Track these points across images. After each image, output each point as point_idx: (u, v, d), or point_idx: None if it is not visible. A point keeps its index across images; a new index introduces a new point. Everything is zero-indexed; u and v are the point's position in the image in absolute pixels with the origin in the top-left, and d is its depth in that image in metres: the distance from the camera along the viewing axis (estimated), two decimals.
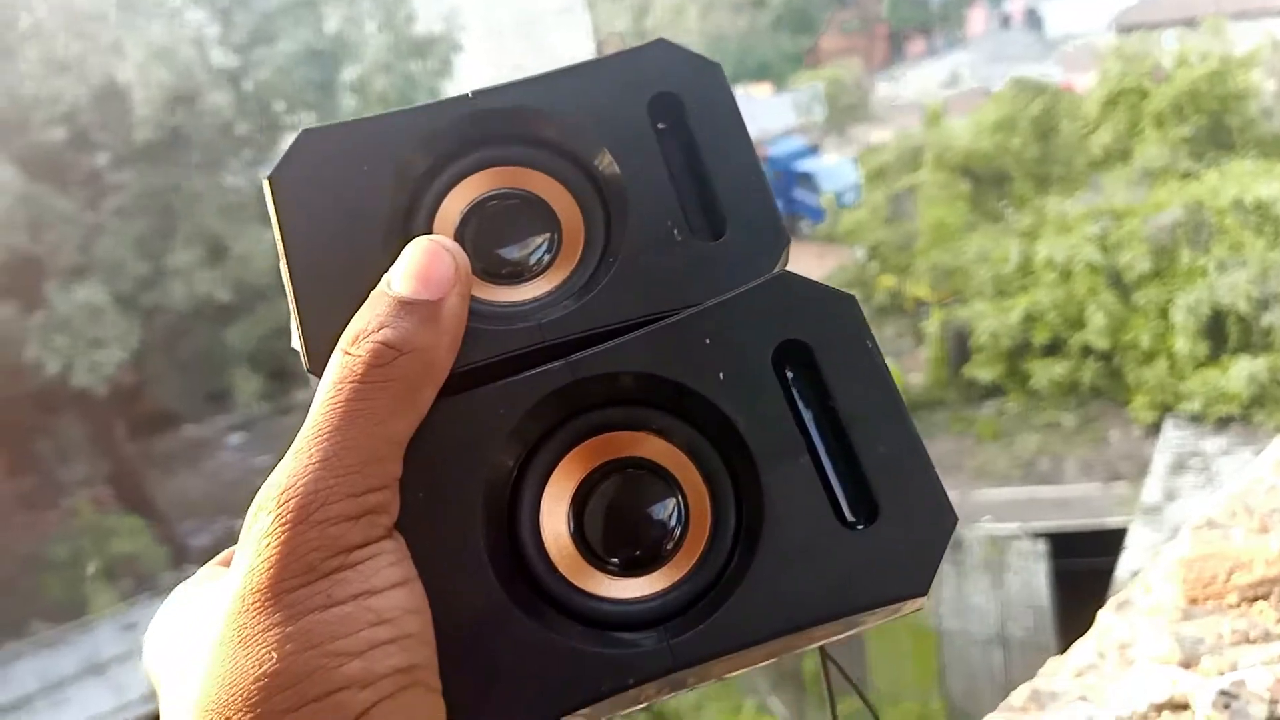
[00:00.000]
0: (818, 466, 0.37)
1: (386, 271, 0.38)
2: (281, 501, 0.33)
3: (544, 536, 0.38)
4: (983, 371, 10.01)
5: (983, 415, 10.11)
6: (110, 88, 9.89)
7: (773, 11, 20.95)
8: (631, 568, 0.38)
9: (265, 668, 0.32)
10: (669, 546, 0.38)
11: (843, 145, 16.62)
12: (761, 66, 21.52)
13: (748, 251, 0.40)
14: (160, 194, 10.17)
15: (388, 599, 0.33)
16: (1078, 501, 8.83)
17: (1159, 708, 0.98)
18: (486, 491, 0.37)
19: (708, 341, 0.38)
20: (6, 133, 9.95)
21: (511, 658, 0.36)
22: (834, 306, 0.39)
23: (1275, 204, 9.20)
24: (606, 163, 0.42)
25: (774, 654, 0.38)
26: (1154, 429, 9.11)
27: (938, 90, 17.68)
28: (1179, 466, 8.36)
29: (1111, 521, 8.27)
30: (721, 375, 0.38)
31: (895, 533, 0.37)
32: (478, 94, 0.43)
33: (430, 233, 0.41)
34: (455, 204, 0.42)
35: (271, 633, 0.32)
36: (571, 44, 16.45)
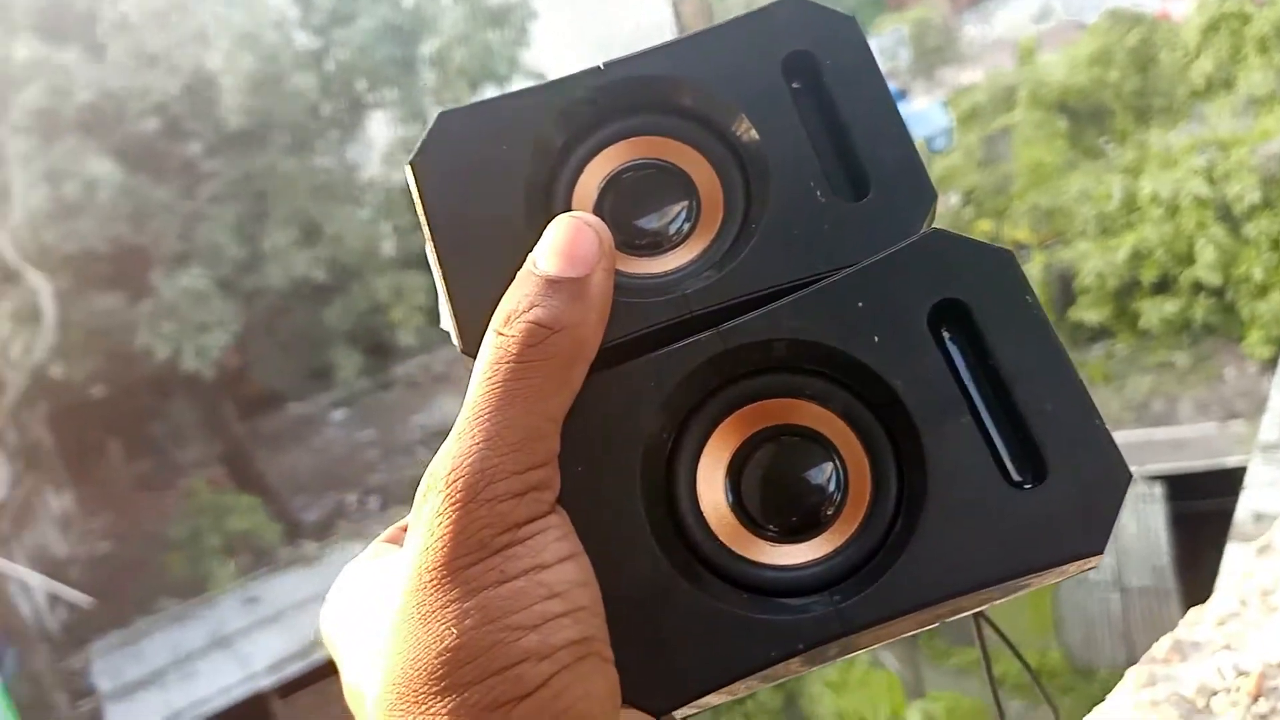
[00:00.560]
0: (981, 427, 0.37)
1: (531, 249, 0.38)
2: (450, 481, 0.34)
3: (702, 506, 0.38)
4: (1089, 313, 9.72)
5: (1091, 358, 9.83)
6: (198, 77, 10.16)
7: None
8: (792, 534, 0.38)
9: (447, 642, 0.33)
10: (829, 512, 0.38)
11: (932, 89, 16.16)
12: (844, 12, 21.06)
13: (894, 210, 0.40)
14: (253, 179, 10.44)
15: (558, 573, 0.34)
16: (1194, 442, 8.55)
17: None
18: (644, 463, 0.37)
19: (860, 304, 0.38)
20: (103, 127, 10.31)
21: (679, 627, 0.36)
22: (990, 263, 0.38)
23: None
24: (743, 127, 0.41)
25: (940, 617, 0.37)
26: (1270, 364, 8.75)
27: (1029, 25, 17.06)
28: None
29: (1229, 461, 7.99)
30: (877, 338, 0.37)
31: (1067, 490, 0.36)
32: (609, 65, 0.42)
33: (570, 207, 0.41)
34: (593, 177, 0.42)
35: (450, 609, 0.33)
36: (645, 4, 16.32)
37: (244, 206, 10.43)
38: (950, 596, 0.35)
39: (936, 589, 0.35)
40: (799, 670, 0.37)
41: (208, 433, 11.17)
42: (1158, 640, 1.07)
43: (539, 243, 0.38)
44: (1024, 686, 7.89)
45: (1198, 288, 9.28)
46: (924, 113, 15.36)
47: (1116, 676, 1.05)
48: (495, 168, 0.41)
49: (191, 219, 10.43)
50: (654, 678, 0.35)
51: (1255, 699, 0.91)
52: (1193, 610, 1.08)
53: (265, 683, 8.56)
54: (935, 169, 11.67)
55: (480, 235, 0.40)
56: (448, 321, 0.40)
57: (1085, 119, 10.87)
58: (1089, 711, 1.02)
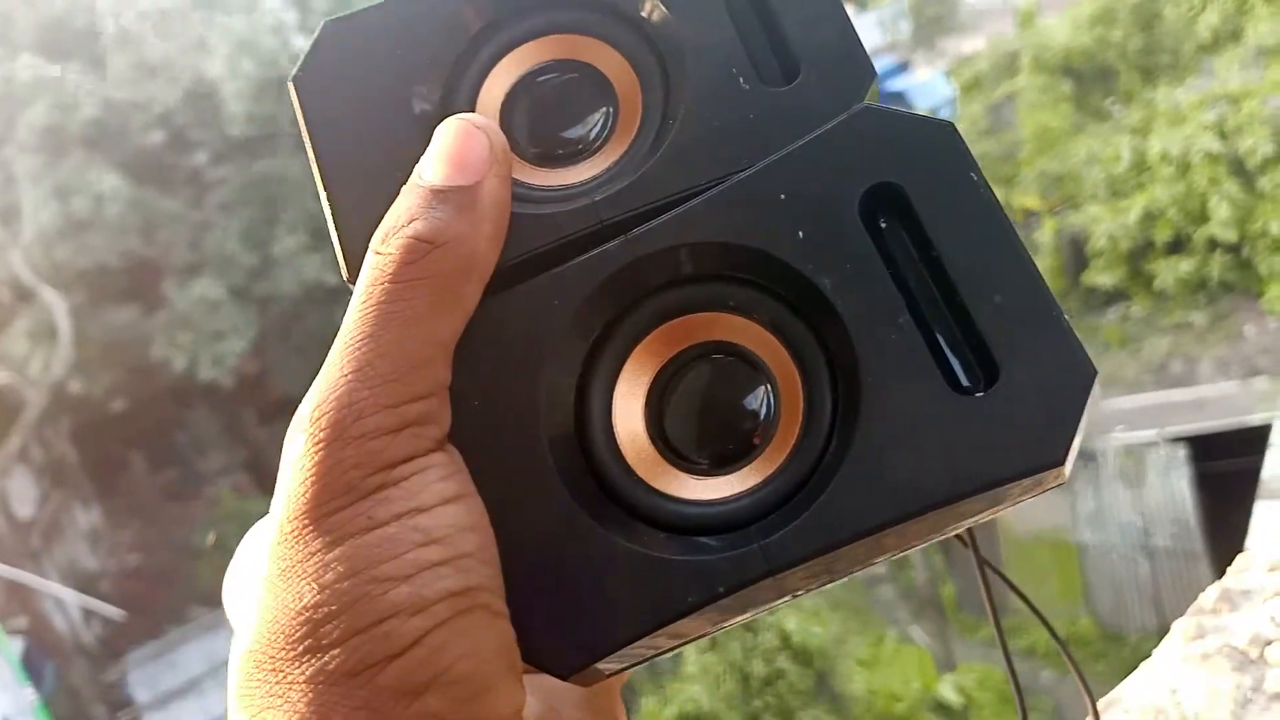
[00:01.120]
0: (922, 326, 0.32)
1: None
2: (314, 419, 0.30)
3: (618, 437, 0.34)
4: (1103, 277, 9.65)
5: (1107, 322, 9.76)
6: (200, 86, 10.17)
7: None
8: (719, 465, 0.34)
9: (306, 600, 0.29)
10: (759, 438, 0.34)
11: (933, 59, 16.06)
12: None
13: (826, 93, 0.35)
14: (260, 185, 10.45)
15: (437, 516, 0.31)
16: (1215, 402, 8.47)
17: None
18: (549, 392, 0.33)
19: (782, 197, 0.33)
20: (108, 141, 10.33)
21: (587, 574, 0.32)
22: (928, 138, 0.34)
23: None
24: (656, 11, 0.37)
25: (898, 547, 0.33)
26: None
27: None
28: None
29: (1254, 419, 7.91)
30: (801, 233, 0.33)
31: (1020, 394, 0.31)
32: None
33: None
34: (498, 83, 0.38)
35: (310, 562, 0.30)
36: None
37: (253, 213, 10.45)
38: (885, 526, 0.31)
39: (869, 518, 0.31)
40: (732, 619, 0.33)
41: (229, 440, 11.22)
42: (1188, 605, 1.05)
43: (426, 151, 0.34)
44: (1055, 655, 7.88)
45: (1213, 245, 9.19)
46: (927, 84, 15.26)
47: (1148, 641, 1.02)
48: (386, 79, 0.37)
49: (201, 228, 10.45)
50: (557, 633, 0.32)
51: None
52: (1240, 557, 1.04)
53: None
54: None
55: (369, 154, 0.37)
56: (338, 249, 0.37)
57: (1090, 81, 10.76)
58: (1122, 678, 1.00)
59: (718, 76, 0.36)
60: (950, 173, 0.33)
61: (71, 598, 9.99)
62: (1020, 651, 7.49)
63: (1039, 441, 0.31)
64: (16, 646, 8.79)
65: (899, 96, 15.73)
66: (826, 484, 0.32)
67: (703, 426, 0.34)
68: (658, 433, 0.34)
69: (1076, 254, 9.99)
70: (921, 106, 13.76)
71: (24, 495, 10.33)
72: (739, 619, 0.34)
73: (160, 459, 11.51)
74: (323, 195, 0.37)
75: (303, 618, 0.29)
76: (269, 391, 11.52)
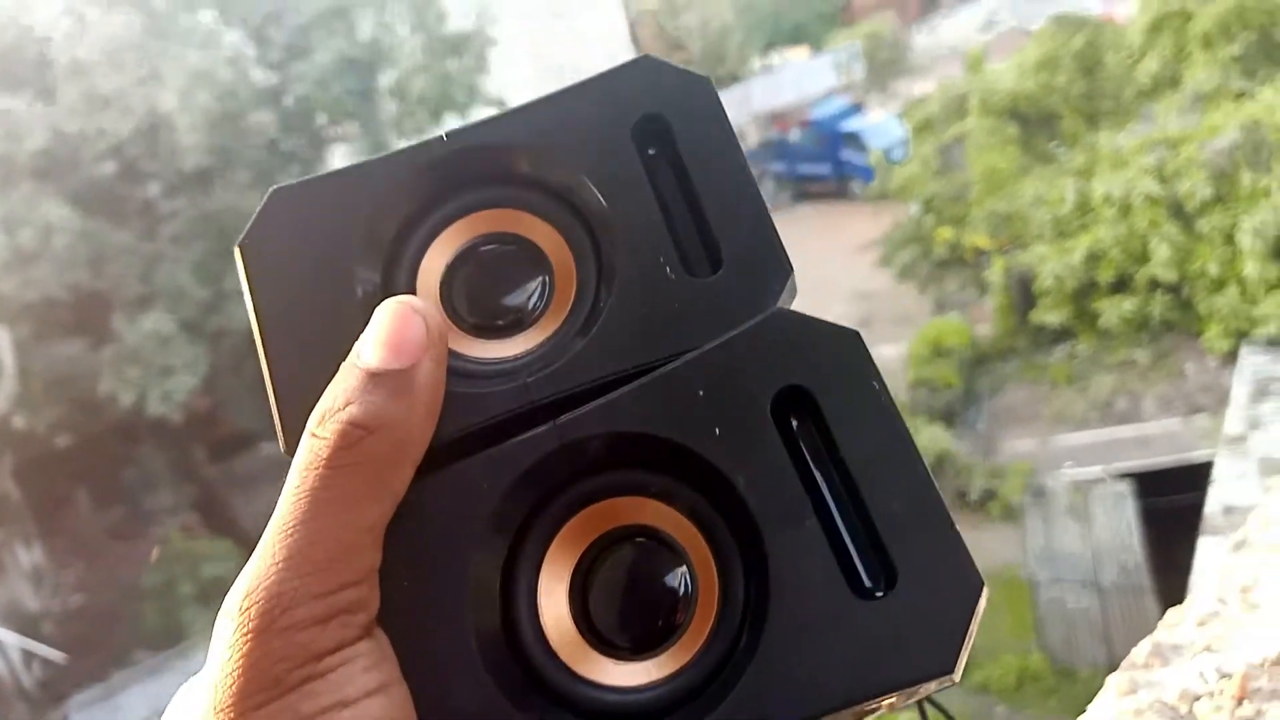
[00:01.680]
0: (828, 528, 0.34)
1: None
2: (244, 608, 0.31)
3: (543, 621, 0.35)
4: (1050, 315, 9.83)
5: (1054, 360, 9.94)
6: (154, 117, 10.08)
7: None
8: (639, 649, 0.35)
9: None
10: (678, 624, 0.35)
11: (886, 101, 16.37)
12: (797, 29, 21.25)
13: (747, 286, 0.37)
14: (213, 217, 10.35)
15: (362, 710, 0.31)
16: (1159, 438, 8.66)
17: None
18: (475, 576, 0.34)
19: (701, 393, 0.35)
20: (59, 172, 10.19)
21: None
22: (835, 345, 0.36)
23: None
24: (591, 196, 0.39)
25: None
26: (1230, 357, 8.89)
27: (976, 35, 17.32)
28: (1260, 393, 8.14)
29: (1196, 456, 8.10)
30: (718, 430, 0.34)
31: (915, 603, 0.33)
32: (451, 135, 0.40)
33: (413, 288, 0.38)
34: (439, 256, 0.39)
35: None
36: (603, 26, 16.39)
37: (206, 245, 10.33)
38: None
39: (778, 716, 0.32)
40: None
41: (178, 478, 11.01)
42: (1137, 640, 1.07)
43: (363, 333, 0.35)
44: (1009, 690, 7.93)
45: (1154, 285, 9.40)
46: (880, 125, 15.56)
47: (1098, 677, 1.04)
48: (329, 250, 0.38)
49: (152, 261, 10.32)
50: None
51: (1240, 701, 0.90)
52: (1171, 611, 1.06)
53: None
54: (894, 179, 11.81)
55: (310, 324, 0.37)
56: (276, 419, 0.37)
57: (1036, 124, 11.01)
58: (1074, 714, 1.02)
59: (646, 263, 0.37)
60: (854, 379, 0.35)
61: (12, 639, 9.72)
62: (975, 687, 7.55)
63: (932, 650, 0.32)
64: None
65: (854, 137, 16.00)
66: (736, 679, 0.33)
67: (624, 610, 0.35)
68: (581, 616, 0.35)
69: (1024, 292, 10.17)
70: (876, 146, 14.00)
71: None
72: None
73: (106, 496, 11.27)
74: (264, 366, 0.38)
75: None
76: (220, 428, 11.35)
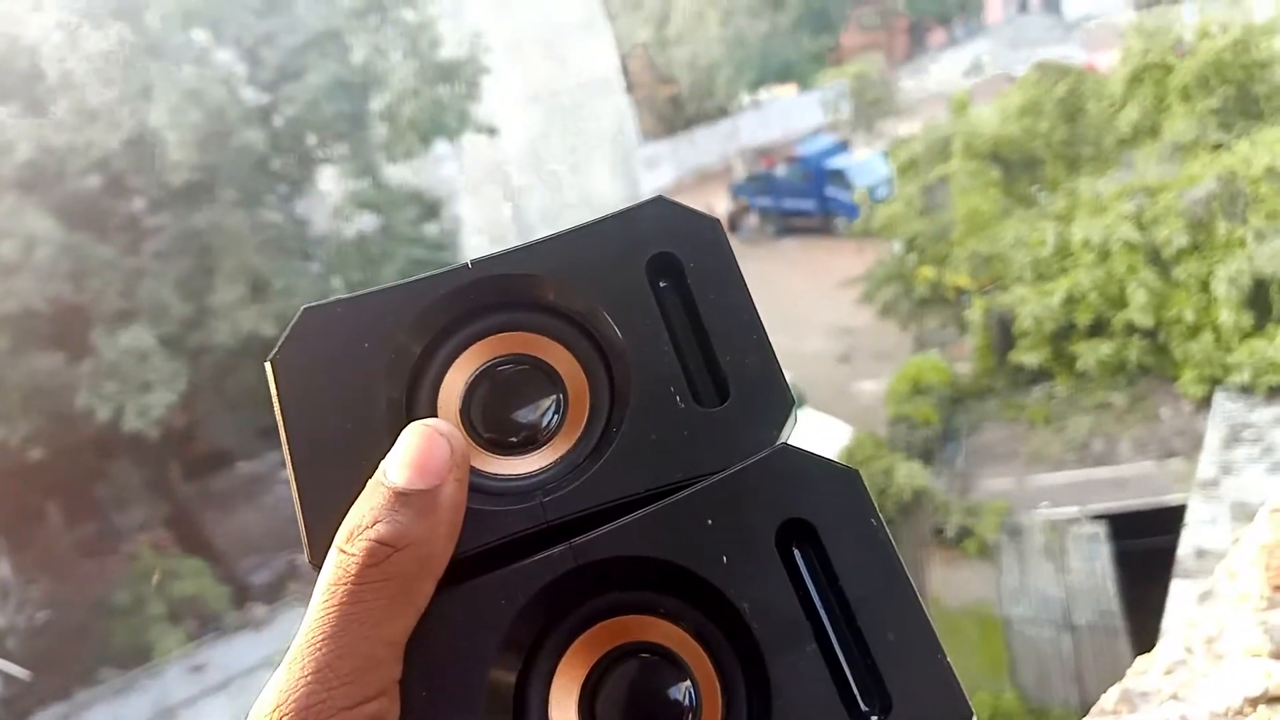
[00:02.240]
0: (827, 653, 0.36)
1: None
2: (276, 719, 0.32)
3: None
4: (1029, 356, 9.93)
5: (1032, 400, 10.02)
6: (142, 133, 10.07)
7: (792, 12, 20.94)
8: None
9: None
10: None
11: (872, 140, 16.55)
12: (785, 67, 21.51)
13: (752, 417, 0.39)
14: (199, 234, 10.33)
15: None
16: (1134, 481, 8.73)
17: (1253, 701, 0.97)
18: (490, 688, 0.36)
19: (710, 522, 0.37)
20: (44, 184, 10.15)
21: None
22: (836, 483, 0.38)
23: None
24: (606, 325, 0.41)
25: None
26: (1204, 403, 9.00)
27: (961, 79, 17.59)
28: (1233, 439, 8.25)
29: (1170, 499, 8.17)
30: (725, 558, 0.37)
31: None
32: (476, 263, 0.42)
33: (434, 405, 0.40)
34: (459, 375, 0.41)
35: None
36: (595, 58, 16.52)
37: (190, 262, 10.30)
38: None
39: None
40: None
41: (152, 495, 10.89)
42: (1109, 681, 1.08)
43: (390, 453, 0.36)
44: None
45: (1131, 329, 9.51)
46: (865, 163, 15.73)
47: (1070, 715, 1.05)
48: (357, 368, 0.40)
49: (134, 276, 10.27)
50: None
51: None
52: (1140, 659, 1.09)
53: None
54: (878, 217, 11.92)
55: (337, 440, 0.39)
56: (302, 531, 0.38)
57: (1018, 168, 11.15)
58: None
59: (657, 392, 0.40)
60: (854, 515, 0.37)
61: None
62: None
63: None
64: None
65: (840, 174, 16.17)
66: None
67: None
68: None
69: (1004, 333, 10.26)
70: (860, 184, 14.15)
71: None
72: None
73: (78, 512, 11.14)
74: (290, 478, 0.39)
75: None
76: (197, 445, 11.25)
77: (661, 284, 0.42)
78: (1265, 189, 9.13)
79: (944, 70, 20.44)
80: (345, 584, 0.34)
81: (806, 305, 11.82)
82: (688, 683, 0.37)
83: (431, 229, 11.77)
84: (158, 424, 9.84)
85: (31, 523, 11.08)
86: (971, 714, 0.35)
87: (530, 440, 0.40)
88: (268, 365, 0.41)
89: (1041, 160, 11.10)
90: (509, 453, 0.40)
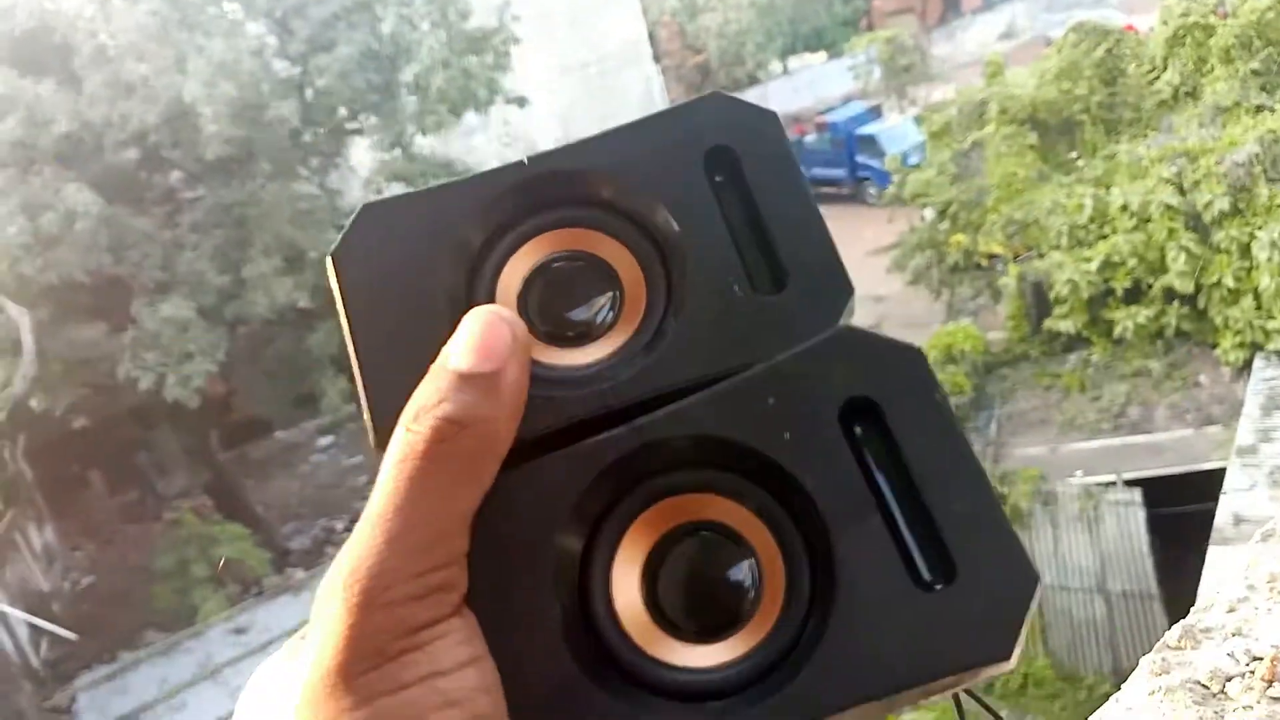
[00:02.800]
0: (891, 526, 0.36)
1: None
2: (349, 585, 0.33)
3: (616, 605, 0.37)
4: (1064, 323, 9.84)
5: (1068, 368, 9.95)
6: (177, 106, 10.15)
7: None
8: (707, 634, 0.37)
9: None
10: (745, 611, 0.37)
11: (904, 106, 16.35)
12: (816, 34, 21.28)
13: (811, 304, 0.39)
14: (234, 207, 10.42)
15: (456, 679, 0.33)
16: (1171, 448, 8.66)
17: None
18: (556, 562, 0.36)
19: (772, 401, 0.37)
20: (82, 157, 10.28)
21: None
22: (899, 360, 0.38)
23: None
24: (664, 220, 0.41)
25: (866, 716, 0.36)
26: (1244, 369, 8.90)
27: (996, 43, 17.34)
28: (1272, 405, 8.16)
29: (1207, 465, 8.10)
30: (787, 435, 0.37)
31: (974, 594, 0.35)
32: (532, 159, 0.43)
33: (492, 301, 0.41)
34: (516, 270, 0.42)
35: (341, 719, 0.32)
36: (623, 27, 16.42)
37: (226, 234, 10.40)
38: (854, 703, 0.35)
39: (841, 697, 0.35)
40: None
41: (192, 462, 11.08)
42: (1143, 648, 1.09)
43: (452, 337, 0.37)
44: (1014, 694, 7.95)
45: (1170, 295, 9.40)
46: (897, 129, 15.55)
47: (1103, 682, 1.05)
48: (417, 262, 0.41)
49: (172, 248, 10.40)
50: None
51: (1270, 683, 0.92)
52: (1203, 595, 1.09)
53: None
54: (910, 185, 11.81)
55: (400, 331, 0.40)
56: (367, 417, 0.39)
57: (1055, 133, 11.00)
58: (1078, 719, 1.05)
59: (715, 281, 0.40)
60: (918, 392, 0.38)
61: (21, 618, 9.79)
62: (977, 689, 7.56)
63: (990, 638, 0.35)
64: None
65: (871, 141, 16.00)
66: (802, 663, 0.35)
67: (693, 598, 0.37)
68: (652, 602, 0.37)
69: (1039, 300, 10.17)
70: (892, 151, 13.99)
71: None
72: None
73: (120, 479, 11.35)
74: (355, 368, 0.40)
75: None
76: (235, 414, 11.41)
77: (718, 178, 0.42)
78: None
79: (978, 34, 20.13)
80: (413, 459, 0.34)
81: None
82: (750, 559, 0.37)
83: None
84: (197, 393, 9.99)
85: (75, 490, 11.31)
86: (1038, 579, 0.35)
87: (587, 334, 0.41)
88: (328, 260, 0.41)
89: (1079, 124, 10.94)
90: (567, 345, 0.41)
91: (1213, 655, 1.03)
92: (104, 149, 10.30)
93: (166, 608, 9.67)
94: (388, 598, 0.33)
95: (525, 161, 0.42)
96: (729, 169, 0.42)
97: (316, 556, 10.37)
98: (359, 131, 11.66)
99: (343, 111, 11.38)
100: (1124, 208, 9.47)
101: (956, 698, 0.47)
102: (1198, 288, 9.25)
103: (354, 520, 0.35)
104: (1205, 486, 7.65)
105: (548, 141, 15.23)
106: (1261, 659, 0.97)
